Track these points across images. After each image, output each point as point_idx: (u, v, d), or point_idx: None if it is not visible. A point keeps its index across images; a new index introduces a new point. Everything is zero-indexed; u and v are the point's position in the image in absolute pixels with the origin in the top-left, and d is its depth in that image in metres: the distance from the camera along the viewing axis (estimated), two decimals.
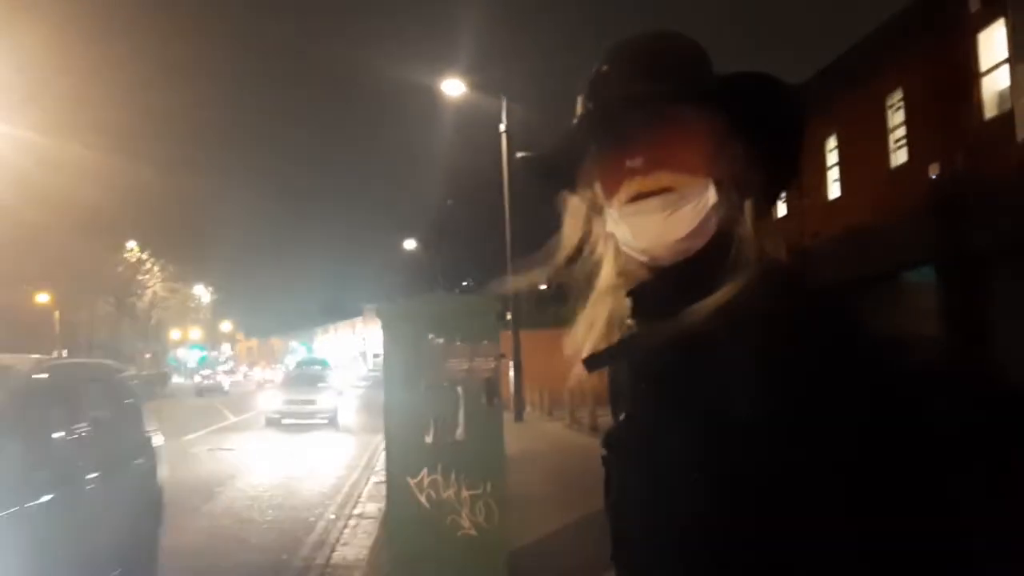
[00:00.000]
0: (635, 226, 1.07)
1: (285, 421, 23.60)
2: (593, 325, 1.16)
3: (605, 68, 1.11)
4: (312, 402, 23.99)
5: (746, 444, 0.94)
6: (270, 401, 25.23)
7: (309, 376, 26.90)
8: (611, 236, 1.13)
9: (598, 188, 1.13)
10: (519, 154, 1.20)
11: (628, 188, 1.07)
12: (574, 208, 1.18)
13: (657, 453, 1.04)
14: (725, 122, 1.08)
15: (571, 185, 1.17)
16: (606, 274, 1.16)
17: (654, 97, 1.06)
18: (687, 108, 1.06)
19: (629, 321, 1.14)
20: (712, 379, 0.99)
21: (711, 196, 1.06)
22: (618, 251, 1.14)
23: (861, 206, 17.91)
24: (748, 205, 1.13)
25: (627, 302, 1.13)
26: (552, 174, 1.17)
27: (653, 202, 1.05)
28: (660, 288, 1.09)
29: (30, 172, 26.93)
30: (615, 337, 1.14)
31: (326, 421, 23.88)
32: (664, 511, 1.02)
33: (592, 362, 1.14)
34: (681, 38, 1.13)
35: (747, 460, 0.94)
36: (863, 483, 0.91)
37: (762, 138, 1.10)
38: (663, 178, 1.05)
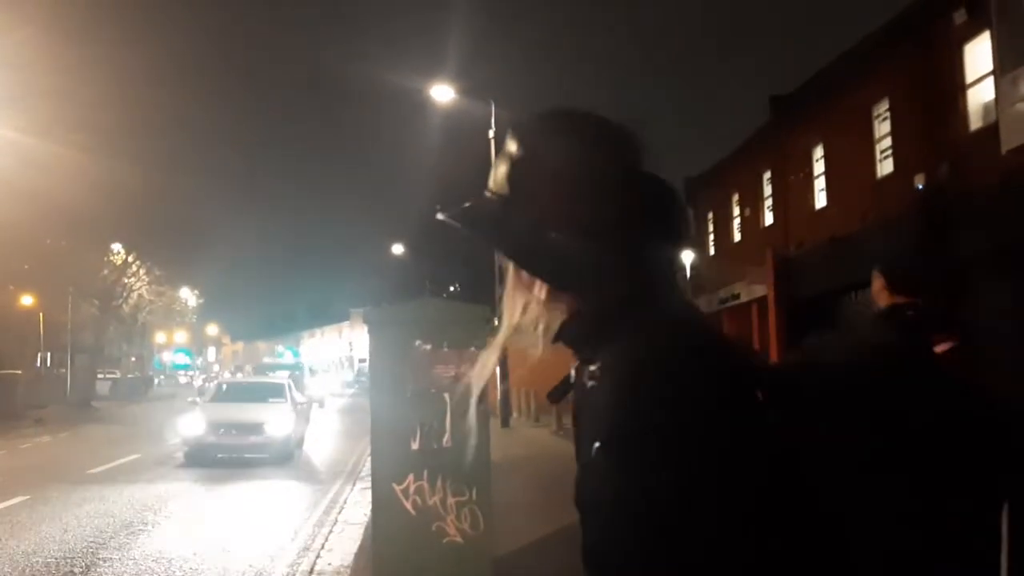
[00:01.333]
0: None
1: (221, 455, 15.73)
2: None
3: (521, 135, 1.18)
4: (254, 427, 15.93)
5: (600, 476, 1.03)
6: (193, 424, 16.08)
7: (256, 388, 19.13)
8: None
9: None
10: (439, 215, 1.23)
11: None
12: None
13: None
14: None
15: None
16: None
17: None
18: None
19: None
20: (598, 417, 1.06)
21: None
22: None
23: (847, 215, 18.01)
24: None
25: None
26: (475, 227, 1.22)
27: None
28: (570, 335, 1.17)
29: (14, 172, 26.71)
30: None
31: (269, 456, 15.76)
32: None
33: (551, 395, 1.24)
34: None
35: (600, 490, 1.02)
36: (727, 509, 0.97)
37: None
38: None
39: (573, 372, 1.18)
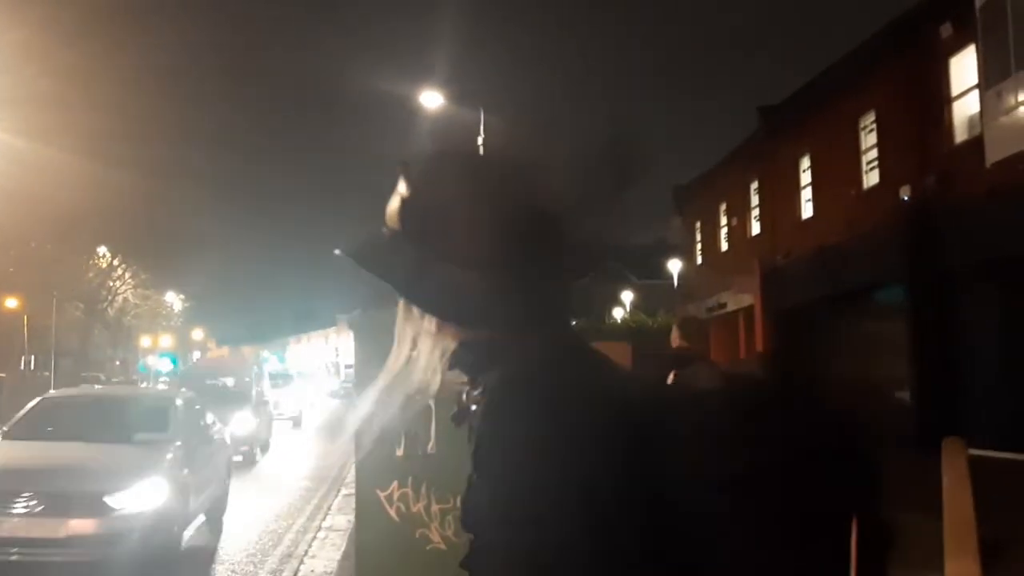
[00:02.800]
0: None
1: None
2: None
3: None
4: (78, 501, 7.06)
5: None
6: None
7: (103, 412, 9.20)
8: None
9: None
10: (336, 251, 1.29)
11: None
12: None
13: None
14: None
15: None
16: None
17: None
18: None
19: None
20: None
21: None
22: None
23: (833, 226, 18.10)
24: None
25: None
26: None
27: None
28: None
29: (2, 174, 26.58)
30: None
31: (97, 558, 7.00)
32: None
33: (454, 417, 1.29)
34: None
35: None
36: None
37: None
38: None
39: (464, 396, 1.24)
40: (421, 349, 1.25)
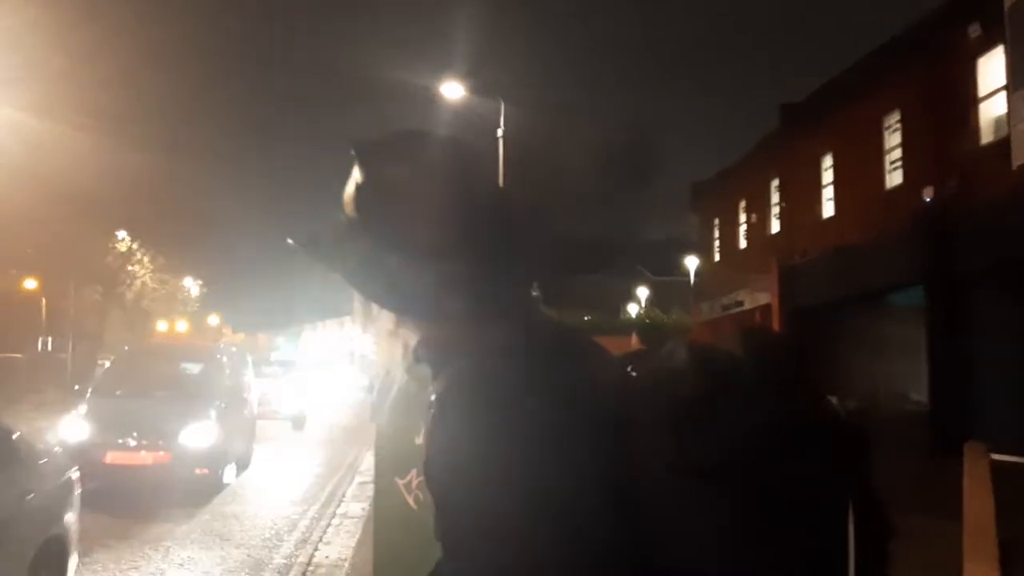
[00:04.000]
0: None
1: None
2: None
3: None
4: None
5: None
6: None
7: None
8: None
9: None
10: (288, 240, 1.26)
11: None
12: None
13: None
14: None
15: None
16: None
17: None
18: None
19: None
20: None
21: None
22: None
23: (854, 226, 17.98)
24: None
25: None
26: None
27: None
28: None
29: (20, 154, 26.60)
30: None
31: None
32: None
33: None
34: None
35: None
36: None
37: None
38: None
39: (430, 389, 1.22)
40: (383, 347, 1.21)
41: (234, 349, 15.84)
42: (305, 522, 9.57)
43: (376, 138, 1.21)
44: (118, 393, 11.72)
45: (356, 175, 1.17)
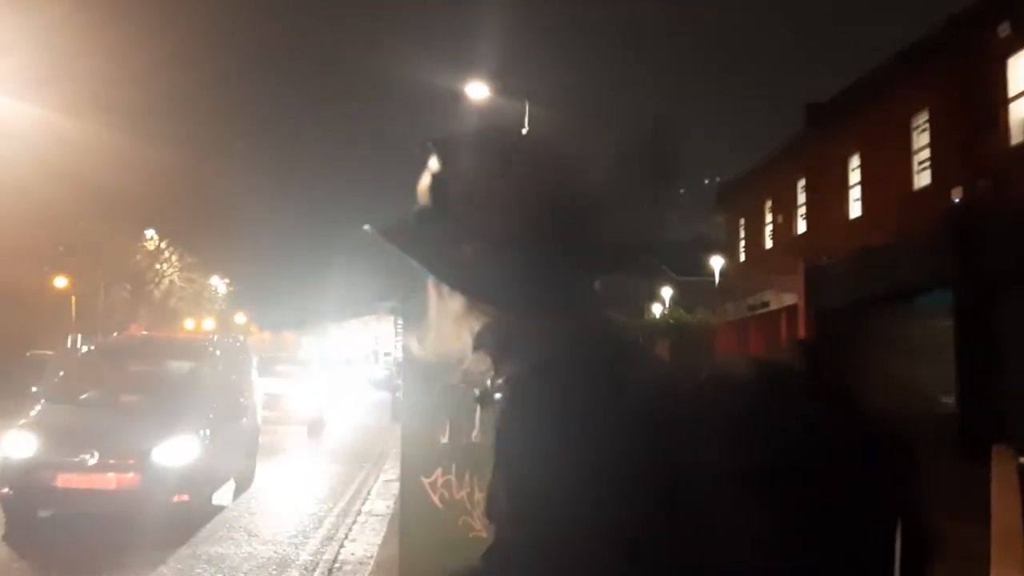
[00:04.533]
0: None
1: None
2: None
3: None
4: None
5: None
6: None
7: None
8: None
9: None
10: (365, 226, 1.30)
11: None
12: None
13: None
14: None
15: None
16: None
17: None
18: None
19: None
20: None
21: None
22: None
23: (881, 226, 17.84)
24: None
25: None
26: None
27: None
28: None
29: (52, 152, 26.88)
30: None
31: None
32: None
33: (478, 400, 1.31)
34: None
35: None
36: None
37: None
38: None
39: (489, 381, 1.24)
40: (447, 334, 1.26)
41: (235, 342, 13.25)
42: (331, 519, 9.65)
43: (452, 133, 1.28)
44: (81, 398, 9.55)
45: (433, 165, 1.24)
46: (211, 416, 9.64)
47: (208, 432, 9.27)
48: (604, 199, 1.26)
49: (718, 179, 30.42)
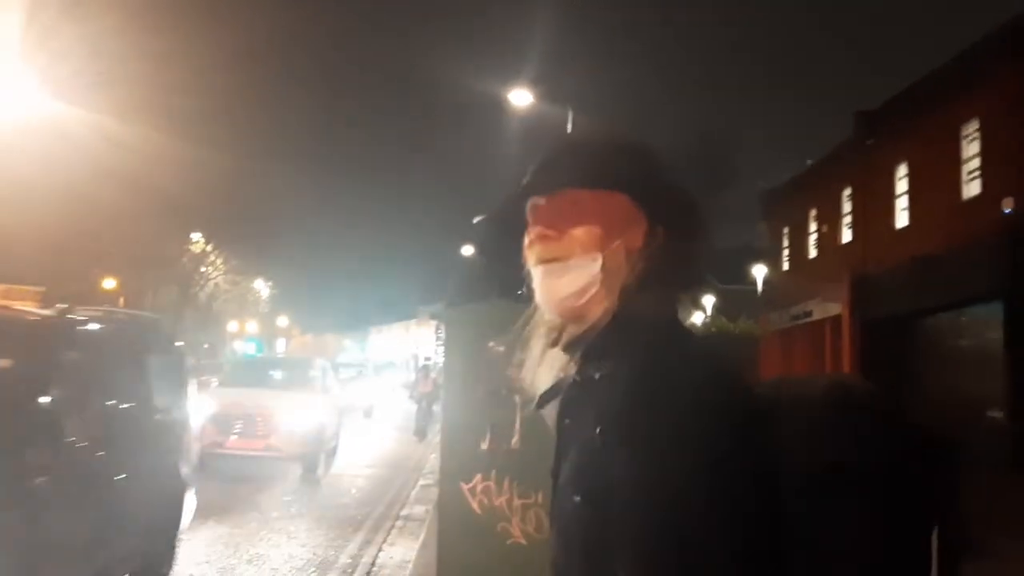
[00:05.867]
0: (537, 286, 1.28)
1: None
2: (540, 366, 1.34)
3: (545, 155, 1.33)
4: None
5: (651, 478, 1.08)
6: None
7: None
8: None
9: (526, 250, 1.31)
10: (475, 219, 1.39)
11: (533, 254, 1.28)
12: None
13: (586, 486, 1.17)
14: (633, 208, 1.26)
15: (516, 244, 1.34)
16: (542, 322, 1.33)
17: (559, 181, 1.27)
18: (588, 193, 1.26)
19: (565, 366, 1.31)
20: (592, 418, 1.16)
21: (595, 267, 1.23)
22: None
23: (929, 236, 17.55)
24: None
25: (556, 351, 1.30)
26: (500, 235, 1.36)
27: (544, 268, 1.26)
28: (570, 341, 1.28)
29: (103, 155, 27.42)
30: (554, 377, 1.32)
31: None
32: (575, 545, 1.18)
33: (539, 402, 1.33)
34: (622, 140, 1.34)
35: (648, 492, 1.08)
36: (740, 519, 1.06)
37: (667, 227, 1.27)
38: (553, 248, 1.26)
39: (570, 374, 1.27)
40: (535, 344, 1.32)
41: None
42: (369, 523, 9.70)
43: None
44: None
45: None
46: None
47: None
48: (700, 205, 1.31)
49: (763, 186, 30.06)
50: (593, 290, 1.24)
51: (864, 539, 1.12)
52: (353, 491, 12.10)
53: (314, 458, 12.91)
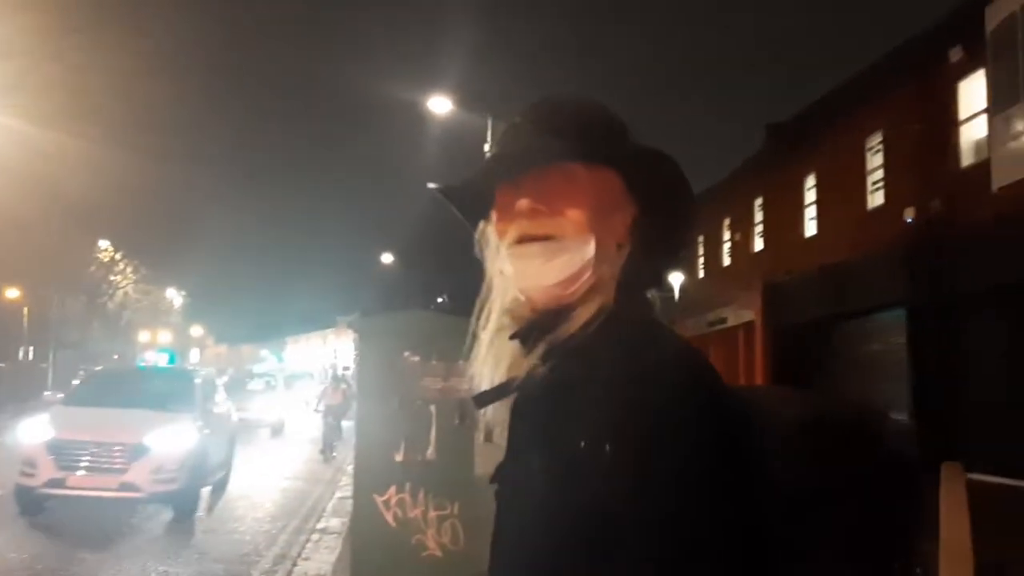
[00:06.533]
0: (516, 267, 1.14)
1: None
2: (497, 362, 1.20)
3: (519, 120, 1.19)
4: None
5: (591, 483, 0.98)
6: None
7: None
8: (500, 274, 1.19)
9: (494, 225, 1.18)
10: (430, 185, 1.26)
11: (515, 230, 1.13)
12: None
13: (525, 492, 1.07)
14: (622, 188, 1.16)
15: (479, 219, 1.23)
16: (495, 311, 1.21)
17: (550, 151, 1.13)
18: (583, 167, 1.13)
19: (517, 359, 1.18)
20: (570, 421, 1.03)
21: (589, 251, 1.11)
22: (506, 289, 1.19)
23: (836, 245, 18.09)
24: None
25: (511, 344, 1.17)
26: (463, 207, 1.22)
27: (534, 247, 1.12)
28: (539, 333, 1.14)
29: (5, 158, 26.48)
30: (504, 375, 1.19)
31: None
32: (526, 549, 1.05)
33: (479, 399, 1.20)
34: (595, 106, 1.22)
35: (591, 498, 0.98)
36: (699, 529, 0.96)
37: (655, 211, 1.17)
38: (546, 225, 1.12)
39: (528, 372, 1.13)
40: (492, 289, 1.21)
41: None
42: (284, 537, 9.50)
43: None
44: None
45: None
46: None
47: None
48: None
49: None
50: (585, 276, 1.11)
51: (833, 557, 1.09)
52: (268, 505, 11.85)
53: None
